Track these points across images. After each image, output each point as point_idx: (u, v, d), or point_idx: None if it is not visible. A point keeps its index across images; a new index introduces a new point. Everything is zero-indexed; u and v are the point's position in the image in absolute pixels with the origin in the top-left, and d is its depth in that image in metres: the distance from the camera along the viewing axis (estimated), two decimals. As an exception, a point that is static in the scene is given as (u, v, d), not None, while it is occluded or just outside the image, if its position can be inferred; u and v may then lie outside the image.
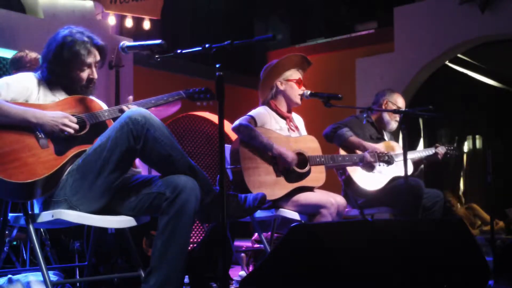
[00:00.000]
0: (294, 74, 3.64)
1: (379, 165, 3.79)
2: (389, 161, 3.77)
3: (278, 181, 3.38)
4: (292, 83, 3.60)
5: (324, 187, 3.57)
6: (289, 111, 3.68)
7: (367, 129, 4.20)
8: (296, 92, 3.61)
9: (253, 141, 3.37)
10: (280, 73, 3.63)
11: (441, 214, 4.06)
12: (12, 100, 2.41)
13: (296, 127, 3.68)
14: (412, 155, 4.15)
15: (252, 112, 3.57)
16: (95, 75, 2.60)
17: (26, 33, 5.56)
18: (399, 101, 4.27)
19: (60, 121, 2.36)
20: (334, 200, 3.33)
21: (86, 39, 2.56)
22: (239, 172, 3.33)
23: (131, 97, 2.72)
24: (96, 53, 2.60)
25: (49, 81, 2.57)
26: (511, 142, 7.82)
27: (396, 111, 3.93)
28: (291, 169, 3.40)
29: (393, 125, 4.25)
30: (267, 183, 3.33)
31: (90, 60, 2.56)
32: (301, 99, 3.63)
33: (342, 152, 3.97)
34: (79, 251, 3.54)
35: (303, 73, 3.70)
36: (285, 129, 3.60)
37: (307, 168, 3.46)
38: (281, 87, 3.62)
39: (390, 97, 4.26)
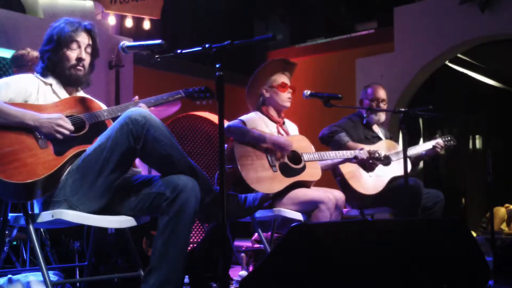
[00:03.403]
0: (279, 78, 3.64)
1: (378, 164, 3.80)
2: (380, 158, 3.76)
3: (275, 176, 3.40)
4: (276, 88, 3.62)
5: (322, 184, 3.58)
6: (279, 115, 3.70)
7: (361, 130, 4.19)
8: (282, 97, 3.62)
9: (245, 138, 3.40)
10: (264, 80, 3.65)
11: (441, 214, 4.06)
12: (10, 101, 2.41)
13: (287, 133, 3.69)
14: (412, 151, 4.14)
15: (243, 117, 3.61)
16: (83, 55, 2.60)
17: (26, 33, 5.56)
18: (381, 93, 4.25)
19: (55, 123, 2.36)
20: (332, 195, 3.35)
21: (75, 20, 2.62)
22: (235, 171, 3.34)
23: (137, 97, 2.73)
24: (84, 34, 2.62)
25: (44, 71, 2.59)
26: (511, 142, 7.83)
27: (396, 111, 3.92)
28: (288, 155, 3.42)
29: (380, 116, 4.24)
30: (265, 178, 3.35)
31: (77, 38, 2.58)
32: (289, 101, 3.63)
33: None
34: (79, 251, 3.54)
35: (290, 75, 3.71)
36: (275, 134, 3.62)
37: (302, 164, 3.49)
38: (267, 94, 3.65)
39: (370, 95, 4.25)
